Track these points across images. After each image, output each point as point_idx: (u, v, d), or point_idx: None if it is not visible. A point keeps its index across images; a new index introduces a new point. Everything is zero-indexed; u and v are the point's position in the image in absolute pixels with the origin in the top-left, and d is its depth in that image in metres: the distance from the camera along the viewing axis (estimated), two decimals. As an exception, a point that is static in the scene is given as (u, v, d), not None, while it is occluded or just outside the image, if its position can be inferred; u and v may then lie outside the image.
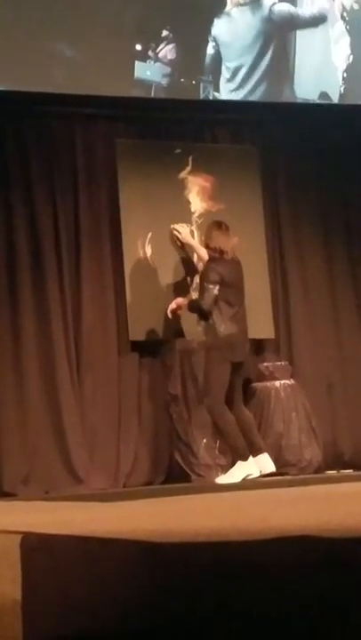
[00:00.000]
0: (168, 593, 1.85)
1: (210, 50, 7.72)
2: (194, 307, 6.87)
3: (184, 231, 7.46)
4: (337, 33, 8.10)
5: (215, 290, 6.67)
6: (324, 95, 8.09)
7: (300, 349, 7.96)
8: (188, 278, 7.49)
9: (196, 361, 7.28)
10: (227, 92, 7.76)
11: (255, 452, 6.69)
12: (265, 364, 7.57)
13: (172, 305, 7.13)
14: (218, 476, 6.98)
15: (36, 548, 2.27)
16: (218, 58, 7.74)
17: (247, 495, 5.00)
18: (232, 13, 7.77)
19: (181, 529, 2.30)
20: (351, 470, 7.57)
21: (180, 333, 7.44)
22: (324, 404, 7.88)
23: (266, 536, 1.86)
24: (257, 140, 8.11)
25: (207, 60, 7.73)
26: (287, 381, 7.50)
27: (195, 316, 6.97)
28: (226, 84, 7.76)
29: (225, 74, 7.75)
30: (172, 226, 7.50)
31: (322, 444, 7.50)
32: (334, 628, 1.59)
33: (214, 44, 7.72)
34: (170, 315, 7.15)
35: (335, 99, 8.10)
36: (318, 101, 8.08)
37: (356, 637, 1.57)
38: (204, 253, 7.03)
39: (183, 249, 7.50)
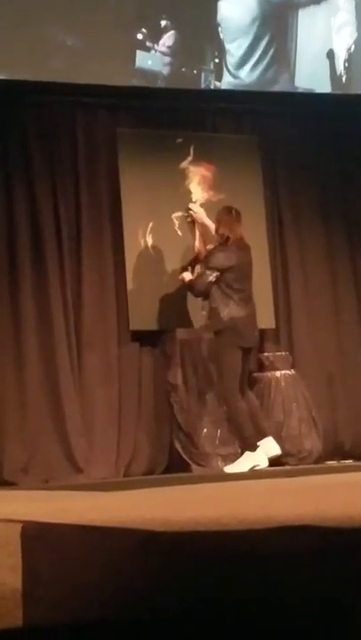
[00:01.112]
0: (168, 581, 1.86)
1: (215, 37, 7.70)
2: (189, 287, 7.02)
3: (200, 210, 7.45)
4: (339, 22, 8.08)
5: (212, 276, 6.68)
6: (325, 84, 8.08)
7: (300, 339, 7.97)
8: (190, 267, 7.48)
9: (198, 350, 7.29)
10: (232, 74, 7.74)
11: (260, 435, 6.69)
12: (265, 354, 7.58)
13: (180, 277, 7.20)
14: (218, 465, 6.99)
15: (37, 537, 2.28)
16: (222, 44, 7.73)
17: (247, 485, 5.01)
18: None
19: (181, 518, 2.30)
20: (351, 460, 7.58)
21: (180, 323, 7.44)
22: (325, 395, 7.89)
23: (266, 525, 1.86)
24: (258, 129, 8.10)
25: (211, 48, 7.71)
26: (287, 371, 7.51)
27: (198, 303, 7.02)
28: (229, 67, 7.74)
29: (228, 60, 7.74)
30: (190, 205, 7.46)
31: (322, 435, 7.51)
32: (334, 617, 1.60)
33: (220, 28, 7.70)
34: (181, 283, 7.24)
35: (337, 88, 8.09)
36: (319, 91, 8.06)
37: (356, 627, 1.58)
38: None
39: (196, 228, 7.45)
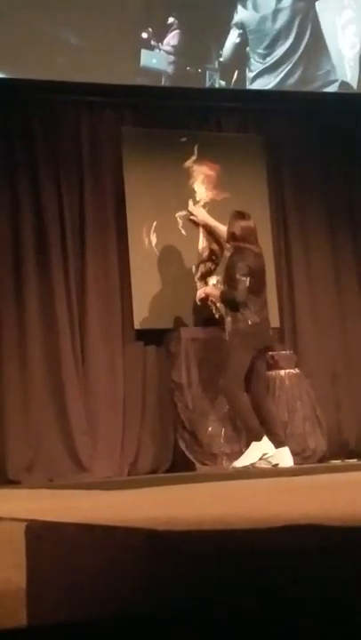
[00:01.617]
0: (172, 580, 1.86)
1: (234, 38, 7.69)
2: (226, 298, 6.81)
3: (200, 212, 7.44)
4: (344, 21, 8.07)
5: (247, 282, 6.64)
6: (328, 81, 8.07)
7: (304, 338, 7.96)
8: (194, 267, 7.48)
9: (203, 348, 7.29)
10: (265, 80, 7.74)
11: (276, 444, 6.68)
12: (270, 352, 7.57)
13: (201, 293, 7.13)
14: (223, 464, 6.99)
15: (41, 536, 2.28)
16: (243, 45, 7.71)
17: (251, 484, 5.00)
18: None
19: (186, 517, 2.30)
20: (356, 459, 7.57)
21: (185, 321, 7.44)
22: (329, 393, 7.89)
23: (270, 524, 1.86)
24: (262, 128, 8.10)
25: (216, 47, 7.70)
26: (292, 370, 7.50)
27: (210, 303, 7.02)
28: (261, 72, 7.73)
29: (257, 61, 7.73)
30: (188, 210, 7.47)
31: (326, 433, 7.51)
32: (340, 617, 1.59)
33: (241, 31, 7.68)
34: (199, 302, 7.15)
35: (343, 87, 8.08)
36: (324, 90, 8.06)
37: (359, 625, 1.57)
38: (224, 231, 7.01)
39: (200, 229, 7.45)
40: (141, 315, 7.43)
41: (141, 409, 7.48)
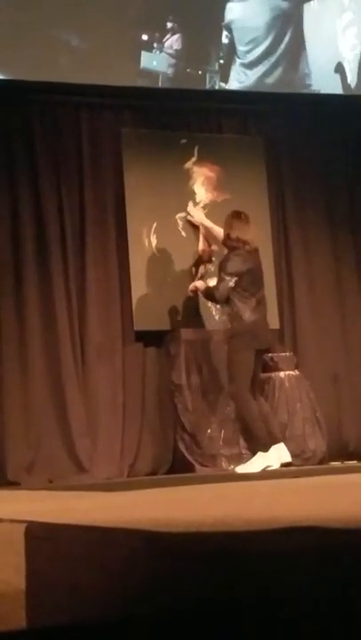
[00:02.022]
0: (172, 582, 1.85)
1: (224, 37, 7.70)
2: (208, 294, 6.94)
3: (197, 214, 7.46)
4: (344, 23, 8.08)
5: (231, 282, 6.66)
6: (329, 86, 8.07)
7: (304, 340, 7.96)
8: (194, 268, 7.49)
9: (202, 350, 7.29)
10: (242, 75, 7.74)
11: (272, 441, 6.68)
12: (269, 354, 7.57)
13: (191, 287, 7.19)
14: (222, 465, 6.98)
15: (41, 537, 2.28)
16: (231, 44, 7.72)
17: (251, 485, 5.00)
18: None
19: (185, 518, 2.30)
20: (355, 461, 7.57)
21: (185, 323, 7.44)
22: (329, 395, 7.88)
23: (270, 526, 1.85)
24: (263, 130, 8.10)
25: (217, 49, 7.71)
26: (292, 372, 7.50)
27: (211, 305, 7.08)
28: (240, 68, 7.74)
29: (239, 58, 7.73)
30: (186, 211, 7.49)
31: (326, 435, 7.50)
32: (340, 618, 1.59)
33: (227, 32, 7.69)
34: (190, 294, 7.21)
35: (341, 89, 8.08)
36: (325, 92, 8.06)
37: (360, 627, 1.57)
38: (220, 233, 7.03)
39: (198, 231, 7.47)
40: (141, 316, 7.43)
41: (141, 410, 7.48)
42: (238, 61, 7.76)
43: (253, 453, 6.65)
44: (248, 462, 6.63)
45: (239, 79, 7.77)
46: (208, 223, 7.37)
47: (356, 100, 8.15)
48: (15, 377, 7.14)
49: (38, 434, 7.14)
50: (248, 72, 7.78)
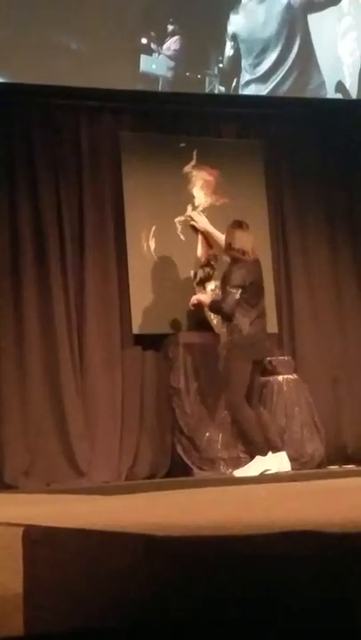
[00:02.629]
0: (170, 586, 1.85)
1: (229, 48, 7.70)
2: (215, 308, 6.90)
3: (201, 219, 7.46)
4: (343, 27, 8.08)
5: (237, 294, 6.64)
6: (329, 90, 8.08)
7: (303, 344, 7.96)
8: (192, 272, 7.49)
9: (201, 353, 7.28)
10: (255, 88, 7.74)
11: (273, 449, 6.68)
12: (268, 358, 7.56)
13: (193, 300, 7.15)
14: (220, 469, 6.98)
15: (38, 541, 2.27)
16: (237, 55, 7.72)
17: (249, 489, 5.00)
18: (248, 7, 7.75)
19: (184, 522, 2.30)
20: (353, 465, 7.57)
21: (183, 326, 7.44)
22: (327, 399, 7.88)
23: (269, 530, 1.85)
24: (261, 134, 8.10)
25: (216, 53, 7.71)
26: (290, 376, 7.50)
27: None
28: (253, 82, 7.74)
29: (247, 72, 7.74)
30: (188, 214, 7.49)
31: (324, 439, 7.50)
32: (338, 623, 1.59)
33: (233, 42, 7.69)
34: (192, 307, 7.18)
35: (341, 93, 8.09)
36: (324, 96, 8.06)
37: (357, 631, 1.57)
38: (221, 239, 7.02)
39: (199, 235, 7.47)
40: (140, 319, 7.43)
41: (139, 414, 7.47)
42: (247, 74, 7.76)
43: (252, 457, 6.64)
44: (246, 466, 6.63)
45: (251, 91, 7.77)
46: (211, 229, 7.38)
47: (355, 104, 8.16)
48: (13, 380, 7.14)
49: (36, 437, 7.13)
50: (260, 84, 7.77)
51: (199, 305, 7.16)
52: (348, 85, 8.10)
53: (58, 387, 7.18)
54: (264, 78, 7.80)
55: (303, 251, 8.14)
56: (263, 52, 7.78)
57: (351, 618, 1.59)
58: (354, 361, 8.11)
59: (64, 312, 7.30)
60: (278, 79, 7.81)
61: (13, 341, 7.18)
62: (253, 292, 6.74)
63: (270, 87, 7.82)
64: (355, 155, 8.27)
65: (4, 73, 7.18)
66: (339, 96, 8.08)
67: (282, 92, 7.83)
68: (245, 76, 7.78)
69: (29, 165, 7.39)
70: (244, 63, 7.77)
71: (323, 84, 7.96)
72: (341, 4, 8.10)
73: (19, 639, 2.08)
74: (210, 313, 7.25)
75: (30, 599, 2.23)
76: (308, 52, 7.90)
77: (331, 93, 8.06)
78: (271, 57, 7.79)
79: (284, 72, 7.81)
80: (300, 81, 7.89)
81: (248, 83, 7.78)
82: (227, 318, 6.74)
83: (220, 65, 7.76)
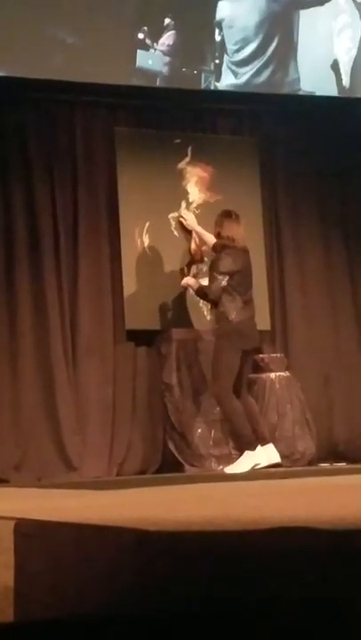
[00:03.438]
0: (161, 581, 1.86)
1: (217, 35, 7.70)
2: (201, 294, 6.96)
3: (190, 217, 7.48)
4: (339, 25, 8.08)
5: (224, 281, 6.67)
6: (324, 87, 8.08)
7: (295, 341, 7.97)
8: (186, 268, 7.49)
9: (193, 350, 7.29)
10: (232, 73, 7.74)
11: (261, 441, 6.70)
12: (260, 355, 7.58)
13: (184, 282, 7.20)
14: (212, 466, 6.99)
15: (30, 534, 2.28)
16: (222, 43, 7.72)
17: (240, 486, 5.01)
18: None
19: (175, 518, 2.31)
20: (344, 463, 7.58)
21: (176, 322, 7.45)
22: (319, 397, 7.89)
23: (259, 526, 1.86)
24: (257, 131, 8.10)
25: (212, 49, 7.71)
26: (282, 373, 7.51)
27: (202, 305, 7.03)
28: (231, 66, 7.74)
29: (229, 57, 7.74)
30: (178, 212, 7.50)
31: (315, 437, 7.51)
32: (328, 619, 1.60)
33: (218, 29, 7.69)
34: (183, 289, 7.25)
35: (336, 91, 8.09)
36: (319, 93, 8.06)
37: (350, 628, 1.58)
38: (210, 239, 7.04)
39: (189, 235, 7.49)
40: (133, 315, 7.43)
41: (131, 409, 7.48)
42: (228, 60, 7.75)
43: (241, 452, 6.65)
44: (236, 463, 6.64)
45: (229, 78, 7.76)
46: (199, 229, 7.37)
47: (349, 101, 8.16)
48: (5, 374, 7.13)
49: (28, 432, 7.13)
50: (239, 71, 7.77)
51: (186, 288, 7.21)
52: (343, 83, 8.10)
53: (50, 381, 7.18)
54: (240, 67, 7.79)
55: (296, 248, 8.15)
56: (243, 41, 7.77)
57: (341, 613, 1.60)
58: (346, 359, 8.12)
59: (57, 307, 7.29)
60: (254, 71, 7.80)
61: (6, 336, 7.18)
62: (241, 280, 6.76)
63: (245, 78, 7.80)
64: (350, 152, 8.28)
65: (-1, 67, 7.17)
66: (334, 93, 8.09)
67: (256, 83, 7.81)
68: (224, 64, 7.77)
69: (24, 160, 7.38)
70: (228, 49, 7.76)
71: (297, 80, 7.94)
72: (338, 1, 8.10)
73: (10, 628, 2.08)
74: (201, 304, 7.29)
75: (21, 592, 2.24)
76: (288, 46, 7.89)
77: (324, 90, 8.06)
78: (250, 47, 7.78)
79: (260, 64, 7.80)
80: (277, 75, 7.87)
81: (226, 70, 7.76)
82: (213, 304, 6.78)
83: (217, 61, 7.76)
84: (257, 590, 1.71)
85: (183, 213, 7.52)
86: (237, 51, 7.76)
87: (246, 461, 6.55)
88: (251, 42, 7.77)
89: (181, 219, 7.51)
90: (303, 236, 8.18)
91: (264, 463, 6.55)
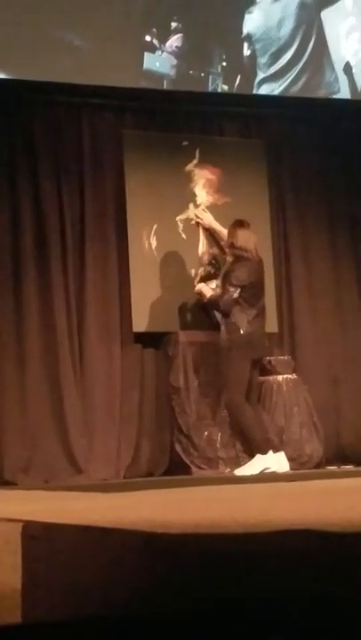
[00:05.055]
0: (168, 583, 1.86)
1: (246, 49, 7.70)
2: (212, 304, 6.94)
3: (206, 216, 7.47)
4: (347, 27, 8.08)
5: (236, 293, 6.67)
6: (332, 89, 8.08)
7: (303, 344, 7.97)
8: (193, 270, 7.49)
9: (201, 352, 7.29)
10: (268, 88, 7.76)
11: (272, 450, 6.69)
12: (267, 358, 7.57)
13: (197, 289, 7.20)
14: (219, 468, 6.99)
15: (37, 537, 2.28)
16: (253, 57, 7.73)
17: (248, 488, 5.00)
18: (262, 6, 7.75)
19: (182, 520, 2.30)
20: (352, 466, 7.57)
21: (183, 325, 7.45)
22: (327, 399, 7.88)
23: (266, 529, 1.86)
24: (264, 133, 8.11)
25: (219, 51, 7.72)
26: (289, 376, 7.50)
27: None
28: (266, 81, 7.75)
29: (261, 71, 7.74)
30: (194, 213, 7.48)
31: (323, 439, 7.51)
32: (335, 622, 1.60)
33: (247, 42, 7.70)
34: (197, 295, 7.24)
35: (343, 93, 8.09)
36: (326, 96, 8.07)
37: (355, 631, 1.58)
38: (225, 236, 7.06)
39: (201, 233, 7.48)
40: (140, 318, 7.43)
41: (138, 412, 7.48)
42: (262, 74, 7.77)
43: (251, 456, 6.65)
44: (246, 465, 6.64)
45: (265, 90, 7.79)
46: (217, 226, 7.39)
47: (356, 103, 8.16)
48: (12, 377, 7.14)
49: (35, 434, 7.14)
50: (274, 84, 7.78)
51: (200, 294, 7.20)
52: (350, 85, 8.09)
53: (57, 384, 7.19)
54: (277, 77, 7.80)
55: (304, 250, 8.15)
56: (278, 51, 7.78)
57: (349, 616, 1.59)
58: (353, 361, 8.12)
59: (64, 310, 7.30)
60: (292, 77, 7.81)
61: (13, 338, 7.19)
62: (253, 291, 6.76)
63: (284, 86, 7.81)
64: (357, 155, 8.28)
65: (6, 69, 7.18)
66: (341, 96, 8.09)
67: (295, 90, 7.83)
68: (260, 75, 7.78)
69: (31, 163, 7.39)
70: (259, 62, 7.77)
71: (336, 80, 7.95)
72: (345, 3, 8.10)
73: (18, 629, 2.08)
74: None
75: (29, 595, 2.24)
76: (321, 49, 7.90)
77: (334, 93, 8.06)
78: (286, 56, 7.79)
79: (297, 71, 7.81)
80: (314, 79, 7.89)
81: (262, 82, 7.78)
82: (224, 315, 6.77)
83: (224, 63, 7.77)
84: (264, 593, 1.71)
85: (199, 214, 7.50)
86: (271, 64, 7.76)
87: (257, 464, 6.56)
88: (284, 52, 7.77)
89: (198, 219, 7.49)
90: (311, 237, 8.18)
91: (274, 468, 6.55)
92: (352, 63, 8.10)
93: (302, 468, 7.18)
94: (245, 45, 7.74)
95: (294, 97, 7.97)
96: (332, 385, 7.99)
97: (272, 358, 7.55)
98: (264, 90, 7.80)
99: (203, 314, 7.39)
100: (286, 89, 7.84)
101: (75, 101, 7.58)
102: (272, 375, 7.45)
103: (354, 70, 8.10)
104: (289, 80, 7.82)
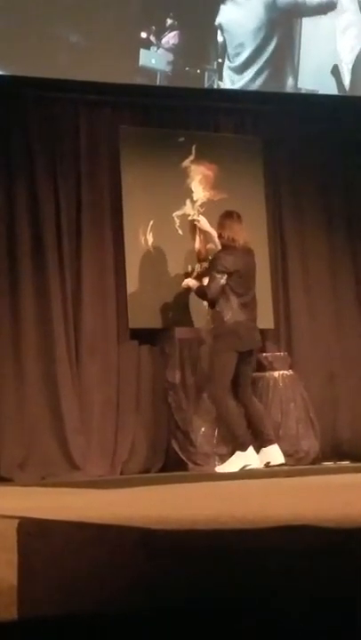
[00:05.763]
0: (164, 579, 1.86)
1: (219, 38, 7.70)
2: (201, 293, 6.94)
3: (203, 219, 7.48)
4: (343, 24, 8.07)
5: (222, 279, 6.68)
6: (328, 86, 8.07)
7: (299, 340, 7.96)
8: (190, 266, 7.49)
9: (197, 349, 7.29)
10: (229, 79, 7.74)
11: (265, 442, 6.71)
12: (264, 354, 7.58)
13: (184, 284, 7.20)
14: (216, 465, 6.99)
15: (33, 533, 2.28)
16: (224, 46, 7.72)
17: (244, 484, 5.01)
18: (238, 0, 7.74)
19: (178, 516, 2.30)
20: (348, 461, 7.58)
21: (180, 321, 7.44)
22: (323, 395, 7.89)
23: (263, 525, 1.86)
24: (260, 129, 8.10)
25: (215, 48, 7.71)
26: (286, 372, 7.50)
27: (203, 304, 7.03)
28: (229, 72, 7.74)
29: (229, 61, 7.74)
30: (192, 214, 7.47)
31: (319, 435, 7.51)
32: (331, 616, 1.60)
33: (220, 31, 7.69)
34: (184, 289, 7.24)
35: (339, 90, 8.08)
36: (323, 92, 8.06)
37: (353, 626, 1.58)
38: (218, 242, 7.06)
39: (200, 235, 7.47)
40: (136, 314, 7.43)
41: (135, 408, 7.48)
42: (228, 64, 7.76)
43: (232, 453, 6.68)
44: (226, 462, 6.67)
45: (227, 84, 7.77)
46: (212, 231, 7.39)
47: (353, 100, 8.16)
48: (9, 373, 7.14)
49: (32, 431, 7.13)
50: (235, 77, 7.77)
51: (188, 290, 7.21)
52: (346, 82, 8.09)
53: (53, 380, 7.18)
54: (237, 73, 7.78)
55: (300, 246, 8.15)
56: (241, 46, 7.76)
57: (345, 611, 1.59)
58: (350, 357, 8.12)
59: (61, 306, 7.29)
60: (249, 77, 7.79)
61: (10, 335, 7.18)
62: (240, 281, 6.76)
63: (241, 84, 7.79)
64: (353, 151, 8.27)
65: (2, 65, 7.17)
66: (337, 92, 8.08)
67: (254, 86, 7.81)
68: (225, 66, 7.77)
69: (27, 159, 7.38)
70: (227, 54, 7.76)
71: (294, 86, 7.93)
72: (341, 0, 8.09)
73: (14, 625, 2.08)
74: (204, 304, 7.28)
75: (25, 591, 2.24)
76: (285, 53, 7.87)
77: (327, 89, 8.05)
78: (246, 53, 7.77)
79: (255, 71, 7.79)
80: (272, 81, 7.86)
81: (227, 74, 7.76)
82: (210, 304, 6.78)
83: (220, 60, 7.76)
84: (261, 588, 1.71)
85: (196, 216, 7.49)
86: (236, 55, 7.76)
87: (236, 461, 6.58)
88: (247, 47, 7.76)
89: (195, 222, 7.49)
90: (307, 234, 8.18)
91: (255, 465, 6.56)
92: (349, 59, 8.09)
93: (299, 463, 7.18)
94: (218, 34, 7.72)
95: (290, 93, 7.97)
96: (328, 381, 8.00)
97: (268, 354, 7.56)
98: (226, 83, 7.75)
99: (198, 310, 7.39)
100: (247, 84, 7.79)
101: (71, 97, 7.57)
102: (268, 371, 7.45)
103: (350, 66, 8.09)
104: (248, 78, 7.79)
